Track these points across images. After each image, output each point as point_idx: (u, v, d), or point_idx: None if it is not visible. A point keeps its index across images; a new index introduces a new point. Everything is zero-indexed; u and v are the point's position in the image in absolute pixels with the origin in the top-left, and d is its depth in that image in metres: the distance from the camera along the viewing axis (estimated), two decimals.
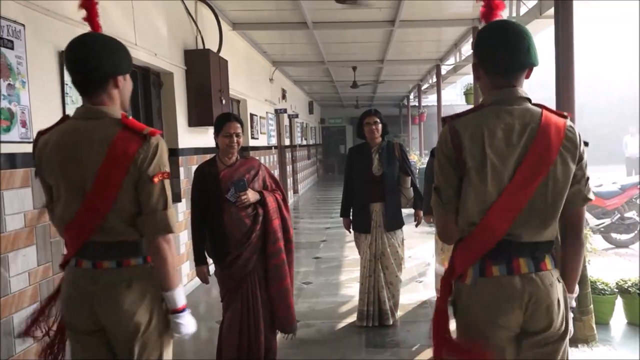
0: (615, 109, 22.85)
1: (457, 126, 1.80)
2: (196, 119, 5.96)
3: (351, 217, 4.56)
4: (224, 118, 3.35)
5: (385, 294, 4.42)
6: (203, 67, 5.90)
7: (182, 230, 5.67)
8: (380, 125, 4.39)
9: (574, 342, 3.75)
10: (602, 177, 8.74)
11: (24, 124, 3.10)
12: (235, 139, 3.27)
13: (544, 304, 1.77)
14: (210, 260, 3.39)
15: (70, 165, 1.89)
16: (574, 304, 1.94)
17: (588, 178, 1.85)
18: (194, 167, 5.78)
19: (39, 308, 2.15)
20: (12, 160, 3.02)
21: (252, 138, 9.17)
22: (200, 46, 6.20)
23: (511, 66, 1.79)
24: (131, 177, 1.87)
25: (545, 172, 1.73)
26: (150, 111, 5.36)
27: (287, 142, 13.77)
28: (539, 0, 5.64)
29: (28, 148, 3.09)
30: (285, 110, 12.67)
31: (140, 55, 4.72)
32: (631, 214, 7.75)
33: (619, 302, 4.36)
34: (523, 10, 6.12)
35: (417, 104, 16.72)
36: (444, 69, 11.66)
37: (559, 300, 1.80)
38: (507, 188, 1.74)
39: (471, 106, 2.38)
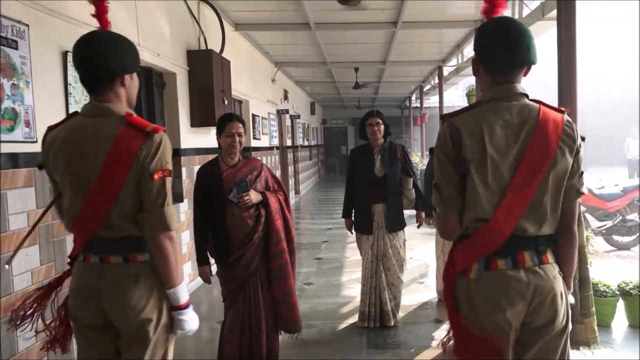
0: (617, 110, 22.83)
1: (456, 123, 1.82)
2: (199, 120, 5.97)
3: (353, 218, 4.57)
4: (225, 118, 3.37)
5: (386, 295, 4.42)
6: (206, 67, 5.91)
7: (184, 230, 5.68)
8: (382, 127, 4.40)
9: (575, 345, 3.75)
10: (604, 179, 8.74)
11: (27, 124, 3.11)
12: (237, 138, 3.28)
13: (549, 296, 1.79)
14: (212, 260, 3.40)
15: (76, 162, 1.91)
16: (572, 299, 1.95)
17: (582, 172, 1.87)
18: (196, 168, 5.79)
19: (37, 294, 2.14)
20: (15, 160, 3.03)
21: (254, 138, 9.18)
22: (203, 47, 6.22)
23: (511, 63, 1.81)
24: (134, 174, 1.88)
25: (546, 166, 1.76)
26: (153, 111, 5.37)
27: (288, 142, 13.78)
28: (543, 1, 5.64)
29: (31, 148, 3.12)
30: (287, 111, 12.69)
31: (144, 55, 4.73)
32: (633, 216, 7.76)
33: (621, 304, 4.35)
34: (526, 12, 6.12)
35: (419, 105, 16.73)
36: (446, 71, 11.66)
37: (561, 293, 1.82)
38: (512, 185, 1.76)
39: None
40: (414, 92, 17.90)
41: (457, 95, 20.50)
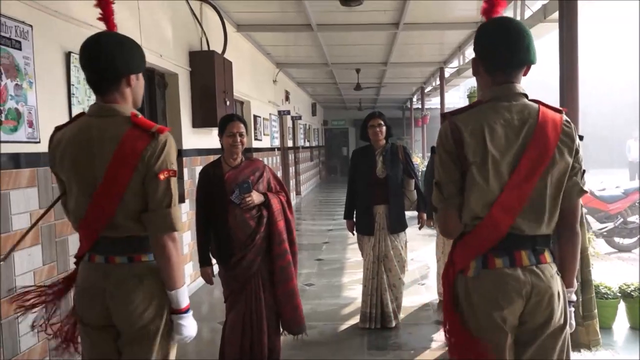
0: (618, 112, 22.84)
1: (457, 122, 1.84)
2: (200, 120, 5.99)
3: (355, 219, 4.57)
4: (227, 118, 3.38)
5: (388, 296, 4.43)
6: (208, 68, 5.92)
7: (185, 231, 5.69)
8: (384, 128, 4.41)
9: (576, 347, 3.75)
10: (605, 180, 8.74)
11: (30, 124, 3.12)
12: (238, 138, 3.28)
13: (546, 296, 1.80)
14: (214, 261, 3.41)
15: (82, 162, 1.92)
16: (573, 297, 1.97)
17: (584, 171, 1.88)
18: (198, 168, 5.82)
19: (40, 291, 2.14)
20: (18, 160, 3.04)
21: (256, 139, 9.19)
22: (205, 47, 6.23)
23: (511, 63, 1.83)
24: (139, 174, 1.89)
25: (545, 166, 1.77)
26: (155, 112, 5.38)
27: (290, 143, 13.79)
28: (545, 2, 5.65)
29: (34, 148, 3.13)
30: (288, 112, 12.70)
31: (146, 56, 4.73)
32: (634, 219, 7.75)
33: (622, 306, 4.35)
34: (527, 14, 6.12)
35: (420, 107, 16.74)
36: (447, 72, 11.66)
37: (559, 293, 1.83)
38: (509, 183, 1.78)
39: None
40: (415, 93, 17.91)
41: (458, 97, 20.51)
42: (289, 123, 13.79)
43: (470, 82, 12.12)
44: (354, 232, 4.58)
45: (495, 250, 1.80)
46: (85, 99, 3.70)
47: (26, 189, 3.09)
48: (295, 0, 6.55)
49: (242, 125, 3.32)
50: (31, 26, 3.13)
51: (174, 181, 1.94)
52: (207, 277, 3.39)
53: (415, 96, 18.55)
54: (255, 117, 9.22)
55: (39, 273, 3.19)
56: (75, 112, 3.55)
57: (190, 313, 2.02)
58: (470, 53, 9.72)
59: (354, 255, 7.10)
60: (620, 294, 4.31)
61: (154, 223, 1.91)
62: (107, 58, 1.90)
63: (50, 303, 2.11)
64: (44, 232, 3.24)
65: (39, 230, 3.18)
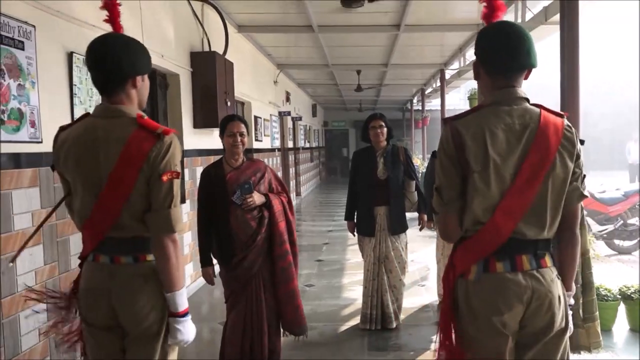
0: (618, 114, 22.85)
1: (458, 126, 1.84)
2: (201, 121, 5.99)
3: (355, 221, 4.58)
4: (227, 118, 3.40)
5: (388, 297, 4.43)
6: (209, 69, 5.93)
7: (185, 232, 5.69)
8: (385, 129, 4.41)
9: (576, 349, 3.75)
10: (605, 183, 8.74)
11: (32, 124, 3.12)
12: (239, 138, 3.29)
13: (547, 300, 1.80)
14: (215, 261, 3.41)
15: (88, 163, 1.92)
16: (572, 301, 1.97)
17: (584, 176, 1.89)
18: (199, 169, 5.83)
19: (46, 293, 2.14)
20: (21, 160, 3.05)
21: (256, 140, 9.20)
22: (206, 48, 6.24)
23: (512, 67, 1.83)
24: (144, 175, 1.90)
25: (546, 171, 1.78)
26: (156, 112, 5.39)
27: (290, 144, 13.80)
28: (546, 4, 5.66)
29: (36, 148, 3.14)
30: (289, 113, 12.71)
31: None
32: (634, 221, 7.75)
33: (622, 308, 4.36)
34: (528, 16, 6.13)
35: (420, 108, 16.75)
36: (448, 74, 11.68)
37: (559, 297, 1.84)
38: (511, 188, 1.78)
39: None
40: (416, 94, 17.92)
41: (458, 99, 20.55)
42: (290, 124, 13.80)
43: (470, 84, 12.15)
44: (355, 233, 4.59)
45: (497, 254, 1.81)
46: (87, 99, 3.71)
47: (28, 189, 3.10)
48: (297, 1, 6.56)
49: (242, 125, 3.33)
50: (34, 26, 3.14)
51: (176, 183, 1.95)
52: (208, 278, 3.39)
53: (415, 98, 18.56)
54: (255, 117, 9.23)
55: (41, 273, 3.19)
56: (77, 112, 3.55)
57: (189, 317, 2.00)
58: (470, 55, 9.73)
59: (354, 256, 7.11)
60: (620, 296, 4.32)
61: (155, 223, 1.92)
62: (114, 59, 1.91)
63: (65, 310, 2.10)
64: (45, 232, 3.24)
65: (40, 230, 3.17)
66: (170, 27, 5.40)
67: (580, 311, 3.72)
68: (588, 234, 4.56)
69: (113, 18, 2.11)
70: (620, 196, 7.92)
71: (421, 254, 7.26)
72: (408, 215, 4.56)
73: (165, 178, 1.90)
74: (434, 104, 18.88)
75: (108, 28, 2.28)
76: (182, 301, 1.97)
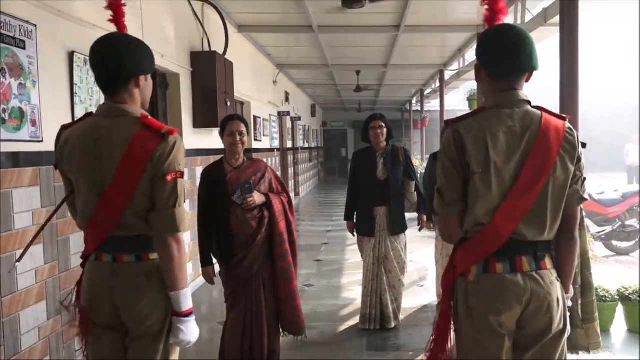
0: (617, 116, 22.89)
1: (459, 129, 1.85)
2: (201, 121, 6.00)
3: (355, 221, 4.59)
4: (227, 118, 3.41)
5: (387, 297, 4.44)
6: (209, 68, 5.93)
7: (185, 231, 5.69)
8: (385, 130, 4.42)
9: (574, 349, 3.76)
10: (604, 184, 8.76)
11: (33, 123, 3.13)
12: (238, 137, 3.29)
13: (545, 302, 1.81)
14: (214, 261, 3.42)
15: (91, 162, 1.93)
16: (570, 303, 1.98)
17: (585, 179, 1.90)
18: (198, 169, 5.83)
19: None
20: (21, 159, 3.05)
21: (255, 140, 9.21)
22: (207, 48, 6.24)
23: (513, 70, 1.84)
24: (148, 175, 1.90)
25: (547, 174, 1.78)
26: (156, 112, 5.39)
27: (289, 144, 13.81)
28: (545, 6, 5.67)
29: (37, 147, 3.14)
30: (288, 113, 12.72)
31: None
32: (632, 222, 7.77)
33: (620, 309, 4.38)
34: (528, 17, 6.14)
35: (419, 109, 16.77)
36: (447, 75, 11.69)
37: (558, 299, 1.85)
38: (512, 190, 1.79)
39: None
40: (415, 95, 17.94)
41: (457, 100, 20.57)
42: (289, 124, 13.81)
43: (470, 85, 12.17)
44: (354, 233, 4.60)
45: (497, 255, 1.82)
46: (87, 98, 3.71)
47: (28, 188, 3.10)
48: (297, 1, 6.57)
49: (242, 125, 3.34)
50: (35, 25, 3.14)
51: (180, 182, 1.96)
52: (209, 277, 3.40)
53: (414, 98, 18.57)
54: (255, 117, 9.23)
55: (41, 272, 3.20)
56: (77, 112, 3.56)
57: (192, 318, 1.99)
58: (470, 56, 9.75)
59: (353, 257, 7.12)
60: (618, 297, 4.34)
61: (158, 223, 1.92)
62: (117, 59, 1.92)
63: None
64: (45, 231, 3.21)
65: None
66: (170, 27, 5.40)
67: (579, 312, 3.73)
68: (586, 234, 4.57)
69: (117, 18, 2.12)
70: (619, 197, 7.94)
71: (420, 255, 7.27)
72: (407, 215, 4.57)
73: (169, 178, 1.91)
74: (433, 104, 18.88)
75: (108, 27, 2.29)
76: (186, 301, 1.97)
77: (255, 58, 9.39)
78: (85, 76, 3.66)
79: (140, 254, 1.97)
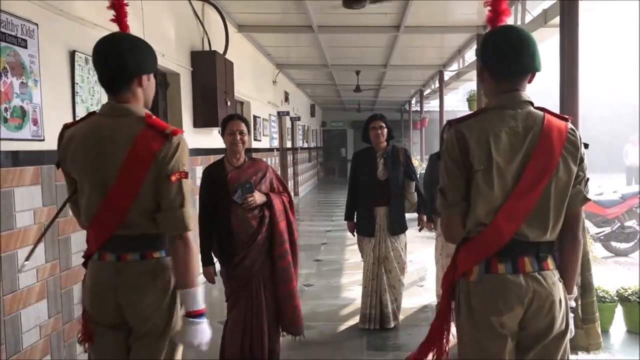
0: (616, 117, 22.91)
1: (462, 129, 1.86)
2: (201, 120, 6.00)
3: (355, 221, 4.59)
4: (228, 117, 3.42)
5: (387, 297, 4.45)
6: (209, 68, 5.93)
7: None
8: (385, 130, 4.43)
9: (574, 349, 3.77)
10: (603, 185, 8.77)
11: (35, 122, 3.13)
12: (238, 136, 3.30)
13: (547, 303, 1.82)
14: (215, 260, 3.42)
15: (95, 161, 1.93)
16: (573, 304, 1.99)
17: (588, 179, 1.91)
18: (199, 168, 5.83)
19: None
20: (23, 158, 3.05)
21: (255, 140, 9.21)
22: (207, 48, 6.25)
23: (516, 71, 1.85)
24: (152, 174, 1.91)
25: (550, 174, 1.79)
26: (157, 111, 5.39)
27: (288, 144, 13.81)
28: (545, 7, 5.68)
29: (39, 146, 3.14)
30: (287, 113, 12.72)
31: None
32: (631, 223, 7.78)
33: (619, 310, 4.39)
34: (528, 18, 6.15)
35: (418, 109, 16.77)
36: (446, 75, 11.70)
37: (560, 299, 1.85)
38: (514, 191, 1.79)
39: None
40: (414, 95, 17.95)
41: (457, 100, 20.56)
42: (288, 124, 13.81)
43: (469, 86, 12.18)
44: (355, 233, 4.61)
45: (499, 255, 1.82)
46: (88, 97, 3.72)
47: (30, 187, 3.10)
48: (297, 1, 6.57)
49: (242, 124, 3.34)
50: (37, 25, 3.14)
51: (185, 182, 1.96)
52: (209, 277, 3.40)
53: (414, 99, 18.58)
54: (255, 117, 9.23)
55: (42, 270, 3.20)
56: (78, 111, 3.56)
57: (203, 319, 1.97)
58: (469, 56, 9.76)
59: (352, 257, 7.12)
60: (617, 298, 4.35)
61: (166, 223, 1.93)
62: (120, 58, 1.93)
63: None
64: None
65: (42, 228, 3.18)
66: (171, 27, 5.41)
67: (580, 312, 3.74)
68: (586, 235, 4.58)
69: (120, 18, 2.12)
70: (618, 199, 7.95)
71: (419, 255, 7.28)
72: (407, 216, 4.58)
73: (173, 178, 1.91)
74: (432, 105, 18.90)
75: (109, 27, 2.29)
76: (197, 300, 1.96)
77: (255, 58, 9.40)
78: (87, 75, 3.67)
79: (145, 253, 1.98)
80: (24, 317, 3.01)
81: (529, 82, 1.91)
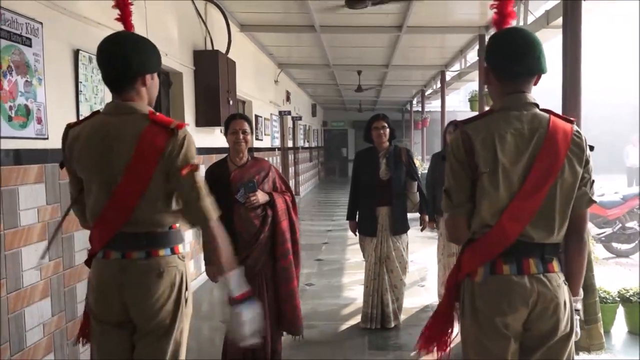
0: (617, 118, 22.90)
1: (468, 130, 1.87)
2: (204, 119, 6.01)
3: (357, 220, 4.60)
4: (231, 116, 3.43)
5: (388, 297, 4.46)
6: (212, 67, 5.95)
7: (186, 230, 5.70)
8: (388, 130, 4.44)
9: (576, 349, 3.77)
10: (604, 186, 8.78)
11: (39, 121, 3.14)
12: (241, 135, 3.30)
13: (552, 305, 1.82)
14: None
15: (101, 160, 1.94)
16: (579, 306, 1.99)
17: (593, 181, 1.91)
18: (201, 167, 5.82)
19: None
20: (27, 156, 3.06)
21: (256, 139, 9.22)
22: (209, 47, 6.26)
23: (521, 73, 1.86)
24: (160, 170, 1.92)
25: (555, 176, 1.79)
26: (159, 110, 5.40)
27: (290, 144, 13.81)
28: (548, 8, 5.69)
29: (43, 144, 3.15)
30: (289, 112, 12.73)
31: None
32: (632, 224, 7.79)
33: (620, 310, 4.39)
34: (530, 19, 6.16)
35: (420, 109, 16.78)
36: (448, 75, 11.71)
37: (565, 302, 1.85)
38: (519, 192, 1.80)
39: (476, 113, 2.46)
40: (416, 96, 17.96)
41: (458, 100, 20.58)
42: (289, 123, 13.81)
43: (471, 86, 12.15)
44: (357, 233, 4.62)
45: (504, 257, 1.83)
46: (92, 96, 3.73)
47: (34, 185, 3.11)
48: (299, 1, 6.58)
49: (245, 123, 3.35)
50: (41, 23, 3.15)
51: (197, 174, 1.98)
52: (212, 276, 3.41)
53: (415, 99, 18.58)
54: (256, 117, 9.24)
55: (45, 268, 3.21)
56: (82, 109, 3.57)
57: (247, 304, 1.98)
58: (471, 57, 9.77)
59: (353, 256, 7.13)
60: (619, 299, 4.35)
61: (190, 218, 1.97)
62: (124, 57, 1.94)
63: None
64: (50, 228, 3.25)
65: (46, 226, 3.20)
66: (174, 26, 5.42)
67: (581, 313, 3.74)
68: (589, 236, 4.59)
69: (125, 17, 2.14)
70: (619, 199, 7.95)
71: (420, 255, 7.29)
72: (409, 215, 4.59)
73: (184, 172, 1.93)
74: (434, 105, 18.91)
75: (113, 26, 2.31)
76: (235, 285, 1.98)
77: (257, 57, 9.41)
78: (90, 74, 3.68)
79: (150, 250, 1.98)
80: (27, 315, 3.02)
81: (535, 84, 1.91)
